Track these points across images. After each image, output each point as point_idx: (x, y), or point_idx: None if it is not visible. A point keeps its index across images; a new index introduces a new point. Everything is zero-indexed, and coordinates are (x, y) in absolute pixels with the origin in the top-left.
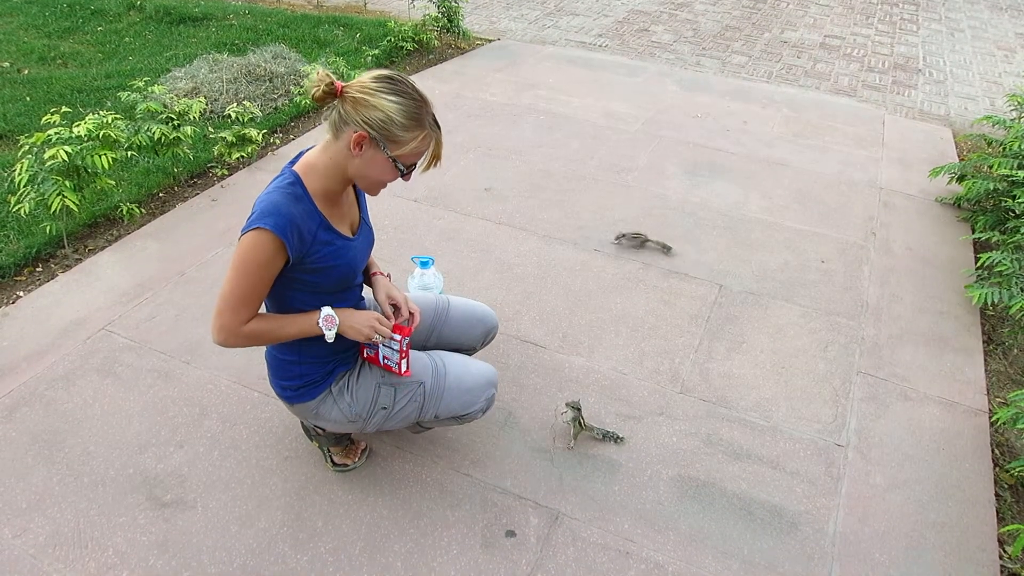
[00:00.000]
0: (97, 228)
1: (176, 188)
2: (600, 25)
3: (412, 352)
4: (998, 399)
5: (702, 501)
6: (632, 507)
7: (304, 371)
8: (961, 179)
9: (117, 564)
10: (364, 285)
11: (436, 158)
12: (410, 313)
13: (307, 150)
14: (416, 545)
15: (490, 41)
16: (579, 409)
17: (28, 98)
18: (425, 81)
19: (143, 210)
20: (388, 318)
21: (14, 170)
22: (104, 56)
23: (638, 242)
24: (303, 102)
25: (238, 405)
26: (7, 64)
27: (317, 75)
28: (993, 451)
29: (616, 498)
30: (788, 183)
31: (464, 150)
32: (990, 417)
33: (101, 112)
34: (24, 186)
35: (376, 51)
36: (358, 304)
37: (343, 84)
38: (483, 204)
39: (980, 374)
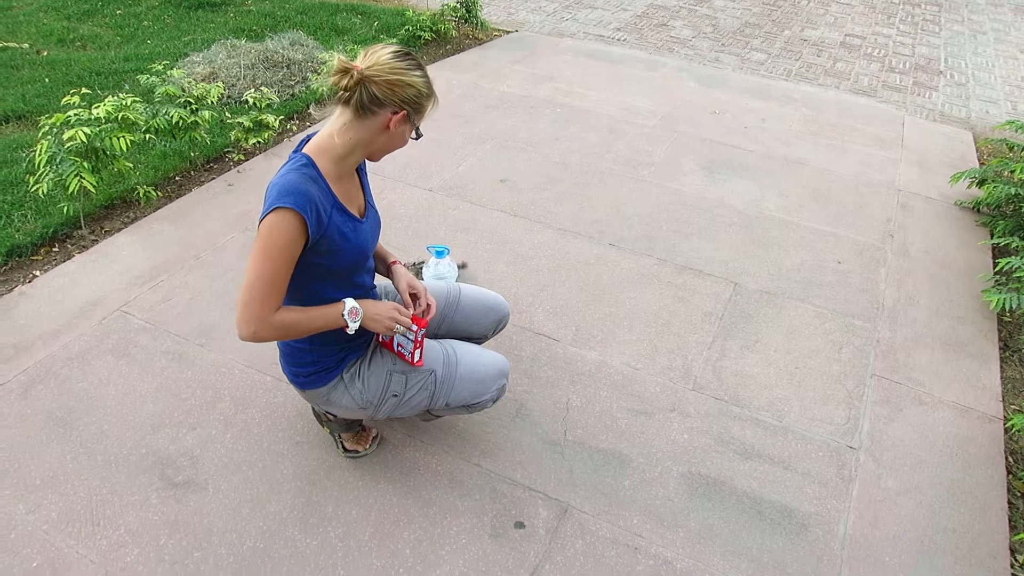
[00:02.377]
0: (114, 210)
1: (192, 172)
2: (619, 19)
3: (425, 341)
4: (1013, 406)
5: (712, 499)
6: (642, 502)
7: (316, 358)
8: (981, 183)
9: (128, 542)
10: (381, 275)
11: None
12: (427, 304)
13: (313, 135)
14: (425, 533)
15: (508, 32)
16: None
17: (47, 79)
18: (443, 71)
19: (159, 193)
20: (407, 307)
21: (33, 151)
22: (123, 39)
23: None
24: (320, 89)
25: (251, 389)
26: (27, 45)
27: (338, 63)
28: (1007, 458)
29: (626, 493)
30: (806, 182)
31: (480, 141)
32: (1005, 424)
33: (120, 95)
34: (43, 166)
35: (394, 40)
36: (370, 290)
37: (360, 67)
38: (498, 195)
39: (996, 380)
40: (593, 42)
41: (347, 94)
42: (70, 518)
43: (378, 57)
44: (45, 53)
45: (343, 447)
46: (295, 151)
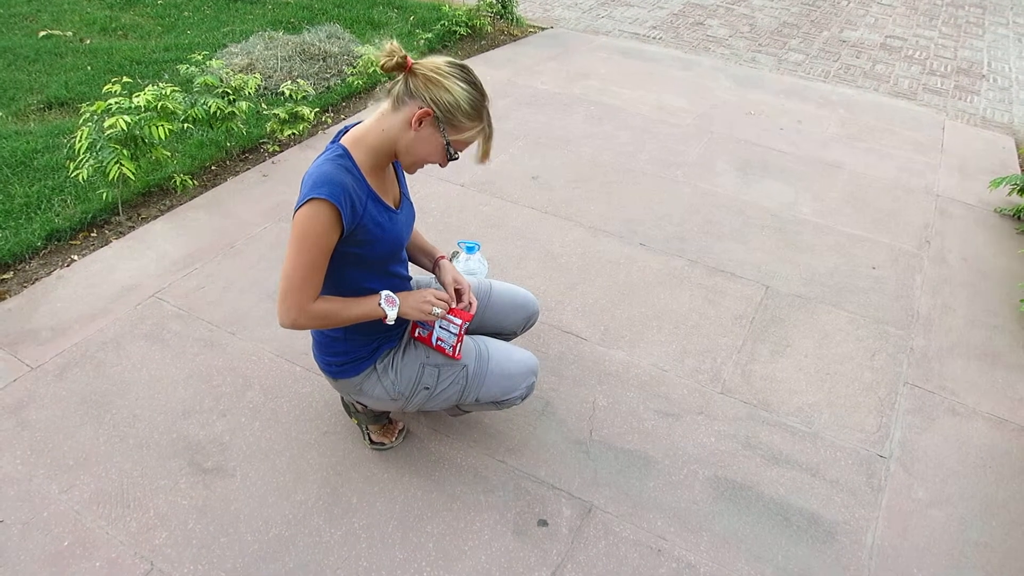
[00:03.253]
0: (151, 197)
1: (228, 162)
2: (655, 17)
3: None
4: None
5: (738, 503)
6: (666, 505)
7: (349, 347)
8: (1023, 190)
9: (157, 525)
10: (426, 270)
11: (485, 155)
12: (469, 302)
13: (352, 125)
14: (448, 528)
15: (543, 29)
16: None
17: (89, 67)
18: (477, 67)
19: (196, 182)
20: (451, 300)
21: (74, 137)
22: (163, 29)
23: None
24: (355, 82)
25: (280, 378)
26: (70, 33)
27: (390, 46)
28: None
29: (650, 495)
30: (841, 186)
31: (513, 137)
32: None
33: (160, 84)
34: (83, 153)
35: (429, 35)
36: (406, 280)
37: (413, 61)
38: (530, 192)
39: None
40: (628, 40)
41: (391, 82)
42: (101, 499)
43: (433, 59)
44: (88, 41)
45: (370, 439)
46: (332, 141)
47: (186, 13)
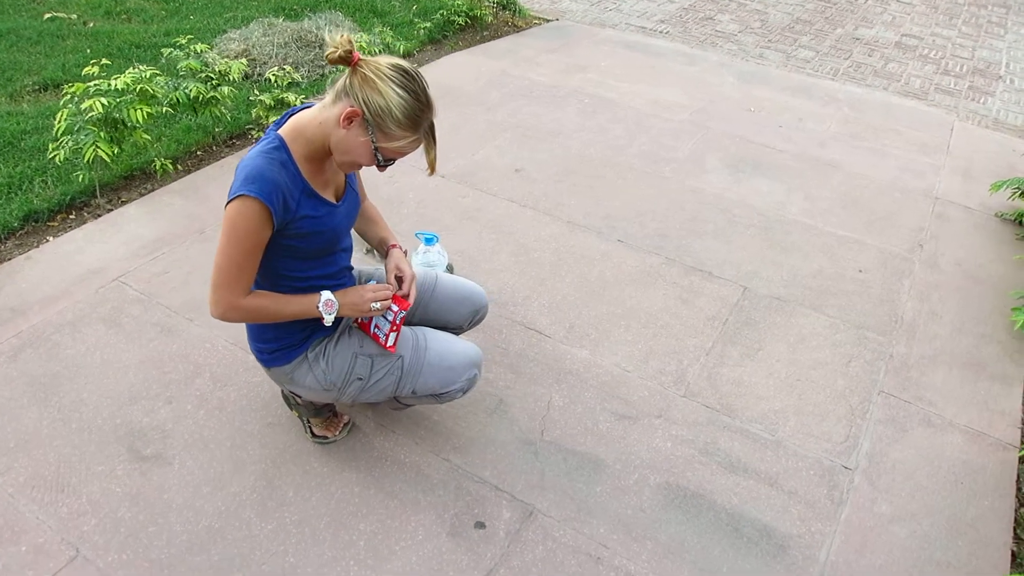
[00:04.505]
0: (132, 181)
1: (214, 148)
2: (664, 11)
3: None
4: None
5: (688, 512)
6: (612, 511)
7: (280, 335)
8: None
9: (88, 511)
10: (381, 255)
11: (431, 167)
12: (409, 291)
13: (296, 110)
14: (382, 526)
15: (548, 21)
16: None
17: (89, 50)
18: (475, 57)
19: (180, 167)
20: (390, 293)
21: (55, 118)
22: (167, 13)
23: None
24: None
25: (231, 367)
26: (75, 16)
27: (341, 37)
28: (1019, 490)
29: (596, 500)
30: (836, 185)
31: (501, 129)
32: (1020, 453)
33: (141, 67)
34: (62, 134)
35: (428, 24)
36: (345, 270)
37: (361, 56)
38: (511, 185)
39: (1016, 406)
40: (634, 33)
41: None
42: (36, 483)
43: (382, 58)
44: (91, 24)
45: (312, 432)
46: (272, 128)
47: None
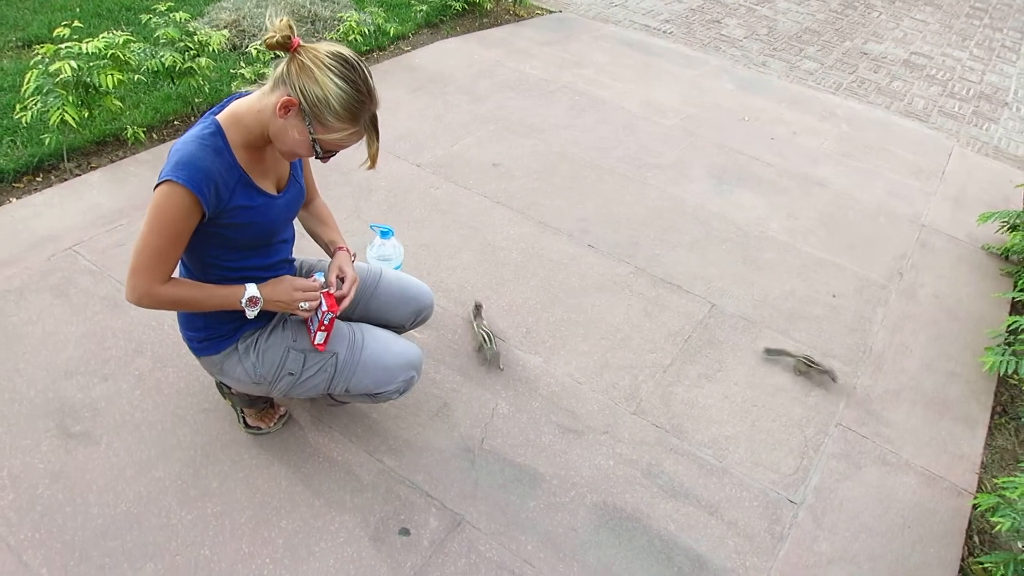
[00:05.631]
0: (105, 147)
1: (193, 118)
2: (671, 10)
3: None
4: (995, 479)
5: (620, 535)
6: (542, 528)
7: (209, 323)
8: (1014, 228)
9: (7, 486)
10: (327, 254)
11: (371, 161)
12: (345, 293)
13: (237, 96)
14: (304, 524)
15: (551, 12)
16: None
17: (79, 9)
18: (468, 44)
19: (155, 136)
20: (330, 287)
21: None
22: None
23: (796, 365)
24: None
25: (175, 347)
26: None
27: (280, 22)
28: (970, 538)
29: (528, 515)
30: (821, 205)
31: (484, 121)
32: (975, 500)
33: (116, 32)
34: (29, 95)
35: (424, 7)
36: (281, 263)
37: (300, 42)
38: (487, 180)
39: (978, 449)
40: (637, 31)
41: (276, 62)
42: None
43: (322, 45)
44: None
45: (245, 423)
46: (211, 112)
47: None
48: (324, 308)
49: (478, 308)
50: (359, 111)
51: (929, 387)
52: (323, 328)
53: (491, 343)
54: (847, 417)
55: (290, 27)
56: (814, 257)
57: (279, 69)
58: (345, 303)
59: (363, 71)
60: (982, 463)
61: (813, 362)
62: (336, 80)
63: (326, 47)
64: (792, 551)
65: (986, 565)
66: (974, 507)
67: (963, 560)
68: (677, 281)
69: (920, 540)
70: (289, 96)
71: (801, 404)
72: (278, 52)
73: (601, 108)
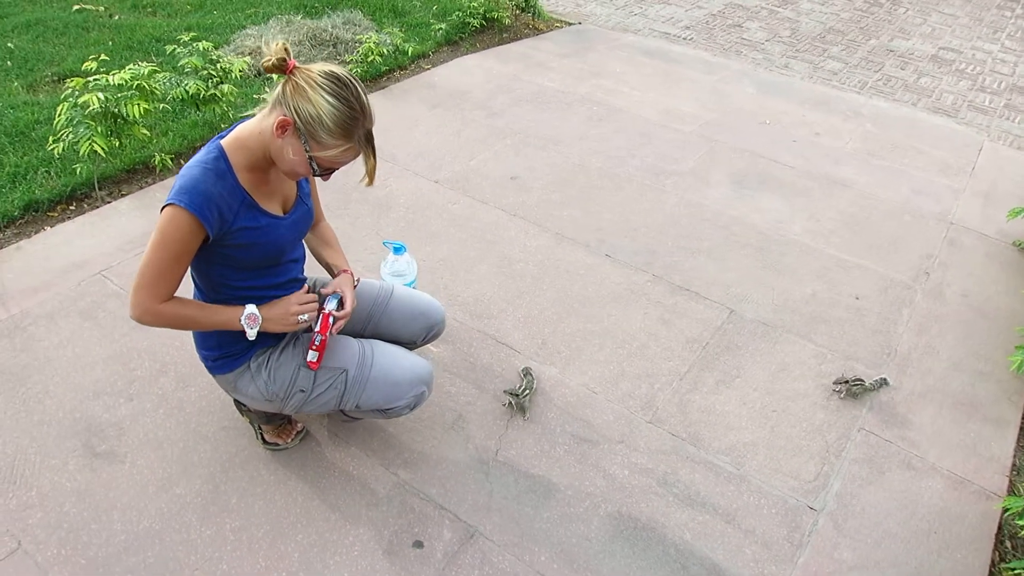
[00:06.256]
0: (135, 175)
1: None
2: (691, 17)
3: (343, 337)
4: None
5: (635, 545)
6: (556, 539)
7: (222, 342)
8: None
9: (35, 504)
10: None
11: (369, 177)
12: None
13: (243, 120)
14: (319, 538)
15: (570, 24)
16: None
17: (111, 42)
18: (486, 60)
19: (183, 162)
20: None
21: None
22: (192, 8)
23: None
24: (354, 70)
25: (196, 367)
26: (102, 8)
27: (276, 45)
28: (1000, 543)
29: (541, 526)
30: (844, 206)
31: (502, 135)
32: (1003, 504)
33: (141, 64)
34: (62, 128)
35: (443, 25)
36: (291, 282)
37: (295, 64)
38: (504, 193)
39: (1008, 451)
40: (656, 39)
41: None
42: None
43: (316, 65)
44: (117, 17)
45: (263, 439)
46: (218, 137)
47: None
48: (316, 329)
49: (528, 373)
50: (352, 127)
51: (957, 388)
52: (314, 348)
53: (527, 394)
54: (870, 421)
55: (285, 50)
56: (836, 259)
57: (276, 91)
58: (339, 326)
59: (355, 88)
60: (1013, 465)
61: (862, 380)
62: (328, 98)
63: (319, 67)
64: (812, 559)
65: (1017, 571)
66: (1004, 511)
67: (993, 566)
68: (695, 288)
69: (947, 546)
70: (284, 116)
71: (823, 409)
72: (275, 75)
73: (619, 117)
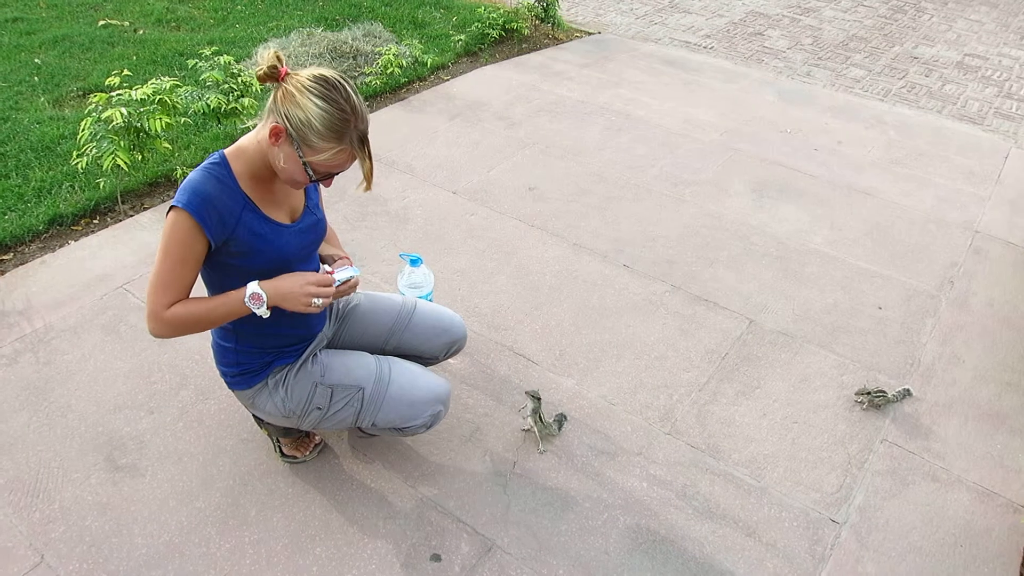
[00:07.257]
0: (157, 188)
1: None
2: (712, 25)
3: (360, 354)
4: None
5: (654, 559)
6: (574, 552)
7: (241, 359)
8: None
9: (57, 518)
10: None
11: (366, 181)
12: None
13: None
14: (337, 552)
15: (589, 34)
16: (539, 399)
17: (135, 57)
18: (505, 71)
19: None
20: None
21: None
22: (215, 22)
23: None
24: (373, 82)
25: (216, 380)
26: (127, 23)
27: (268, 54)
28: None
29: (560, 539)
30: (866, 215)
31: (521, 146)
32: None
33: (163, 78)
34: (85, 143)
35: (463, 36)
36: None
37: (287, 71)
38: (522, 204)
39: None
40: (677, 48)
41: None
42: (15, 486)
43: (306, 71)
44: (141, 32)
45: (281, 452)
46: (221, 149)
47: (239, 7)
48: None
49: (537, 400)
50: (343, 129)
51: (983, 399)
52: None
53: (545, 426)
54: (893, 432)
55: (277, 58)
56: (858, 268)
57: (269, 99)
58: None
59: (345, 90)
60: None
61: (884, 391)
62: (316, 101)
63: (309, 71)
64: (835, 572)
65: None
66: None
67: None
68: (714, 298)
69: (973, 559)
70: (277, 123)
71: (845, 420)
72: (269, 84)
73: (638, 127)
